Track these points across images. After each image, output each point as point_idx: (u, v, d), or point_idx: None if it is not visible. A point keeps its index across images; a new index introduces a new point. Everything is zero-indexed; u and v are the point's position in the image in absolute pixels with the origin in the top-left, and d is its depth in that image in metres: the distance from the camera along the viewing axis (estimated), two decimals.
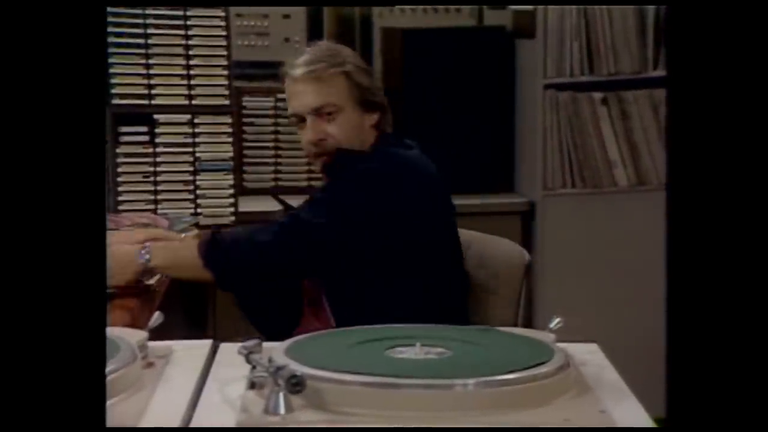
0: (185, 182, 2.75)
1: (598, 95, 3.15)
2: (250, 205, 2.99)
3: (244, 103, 3.18)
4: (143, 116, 2.71)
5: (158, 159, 2.73)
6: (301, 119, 1.94)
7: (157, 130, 2.72)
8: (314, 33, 3.47)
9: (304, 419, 1.18)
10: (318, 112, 1.91)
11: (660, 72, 3.13)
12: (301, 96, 1.92)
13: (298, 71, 1.93)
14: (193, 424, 1.18)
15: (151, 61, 2.72)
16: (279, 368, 1.20)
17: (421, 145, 3.22)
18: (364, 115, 1.95)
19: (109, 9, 2.61)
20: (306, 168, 3.25)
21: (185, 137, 2.75)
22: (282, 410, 1.18)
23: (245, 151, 3.19)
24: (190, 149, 2.75)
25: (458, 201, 2.07)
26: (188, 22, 2.74)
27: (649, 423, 1.19)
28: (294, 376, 1.17)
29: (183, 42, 2.74)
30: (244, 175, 3.19)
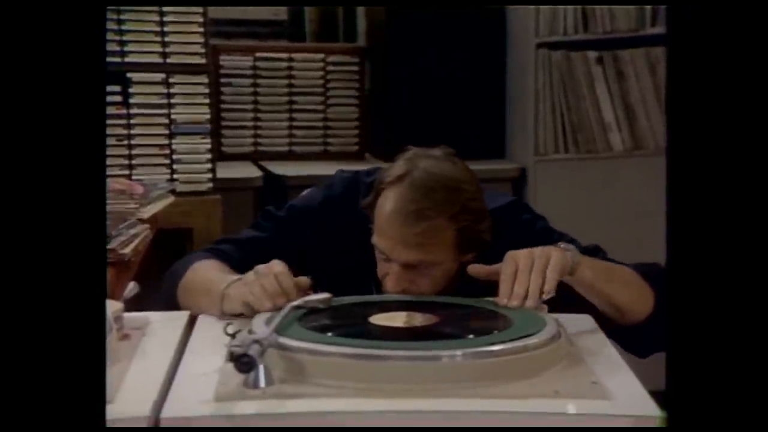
0: (160, 146, 2.74)
1: (592, 54, 3.15)
2: (228, 171, 2.98)
3: (221, 63, 3.16)
4: (116, 75, 2.69)
5: (132, 121, 2.72)
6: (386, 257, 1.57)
7: (130, 90, 2.71)
8: None
9: (284, 392, 1.19)
10: (411, 265, 1.55)
11: (658, 29, 3.13)
12: (395, 243, 1.53)
13: (399, 218, 1.51)
14: (171, 398, 1.18)
15: (123, 17, 2.69)
16: (256, 341, 1.21)
17: (408, 108, 3.23)
18: (462, 257, 1.58)
19: None
20: (287, 132, 3.25)
21: (160, 98, 2.73)
22: (262, 383, 1.19)
23: (223, 114, 3.18)
24: (165, 111, 2.74)
25: None
26: None
27: (643, 394, 1.20)
28: (245, 355, 1.17)
29: None
30: (222, 140, 3.18)
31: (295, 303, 1.38)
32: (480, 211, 1.58)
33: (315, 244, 1.66)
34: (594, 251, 1.61)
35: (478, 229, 1.57)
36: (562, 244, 1.49)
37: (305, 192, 1.85)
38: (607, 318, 1.51)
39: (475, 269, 1.49)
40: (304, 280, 1.47)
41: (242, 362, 1.18)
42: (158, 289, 1.69)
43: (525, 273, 1.41)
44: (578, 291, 1.49)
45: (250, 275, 1.45)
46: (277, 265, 1.45)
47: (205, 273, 1.59)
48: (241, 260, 1.60)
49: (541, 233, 1.65)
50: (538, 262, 1.42)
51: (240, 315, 1.43)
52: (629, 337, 1.50)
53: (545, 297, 1.43)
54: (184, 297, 1.59)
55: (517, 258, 1.43)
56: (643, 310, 1.51)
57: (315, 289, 1.48)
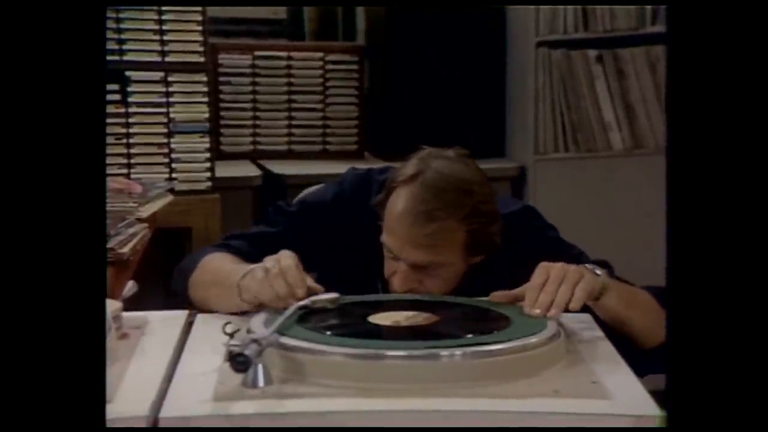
0: (159, 145, 2.75)
1: (593, 53, 3.15)
2: (227, 170, 2.98)
3: (220, 61, 3.16)
4: (114, 73, 2.69)
5: (131, 120, 2.72)
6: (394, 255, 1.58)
7: (129, 89, 2.71)
8: None
9: (283, 392, 1.19)
10: (419, 266, 1.56)
11: (658, 28, 3.13)
12: (404, 243, 1.54)
13: (409, 218, 1.52)
14: (170, 397, 1.19)
15: (121, 15, 2.69)
16: (255, 340, 1.21)
17: (407, 107, 3.23)
18: (472, 259, 1.59)
19: None
20: (286, 131, 3.25)
21: (159, 96, 2.73)
22: (261, 383, 1.19)
23: (222, 113, 3.18)
24: (163, 109, 2.74)
25: None
26: None
27: (642, 393, 1.20)
28: (241, 354, 1.18)
29: None
30: (221, 138, 3.18)
31: (301, 303, 1.38)
32: (491, 214, 1.57)
33: (325, 240, 1.67)
34: (600, 266, 1.58)
35: (489, 231, 1.56)
36: (589, 266, 1.47)
37: (316, 188, 1.85)
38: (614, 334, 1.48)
39: (498, 296, 1.47)
40: (314, 286, 1.44)
41: (238, 362, 1.18)
42: (157, 288, 1.70)
43: (554, 284, 1.39)
44: (596, 313, 1.47)
45: (258, 270, 1.44)
46: (285, 259, 1.43)
47: (218, 265, 1.58)
48: (251, 255, 1.60)
49: (552, 243, 1.65)
50: (569, 277, 1.40)
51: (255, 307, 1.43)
52: (632, 356, 1.43)
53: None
54: (196, 291, 1.58)
55: (550, 269, 1.41)
56: (656, 339, 1.47)
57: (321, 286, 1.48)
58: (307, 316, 1.37)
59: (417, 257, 1.54)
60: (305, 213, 1.71)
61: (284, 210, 1.73)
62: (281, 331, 1.28)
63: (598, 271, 1.46)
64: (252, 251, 1.62)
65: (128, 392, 1.20)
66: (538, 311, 1.38)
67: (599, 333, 1.44)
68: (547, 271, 1.41)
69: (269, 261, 1.44)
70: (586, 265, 1.47)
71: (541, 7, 3.10)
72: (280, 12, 3.49)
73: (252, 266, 1.47)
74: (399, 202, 1.55)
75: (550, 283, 1.40)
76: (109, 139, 2.70)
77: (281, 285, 1.40)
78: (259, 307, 1.42)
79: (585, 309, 1.47)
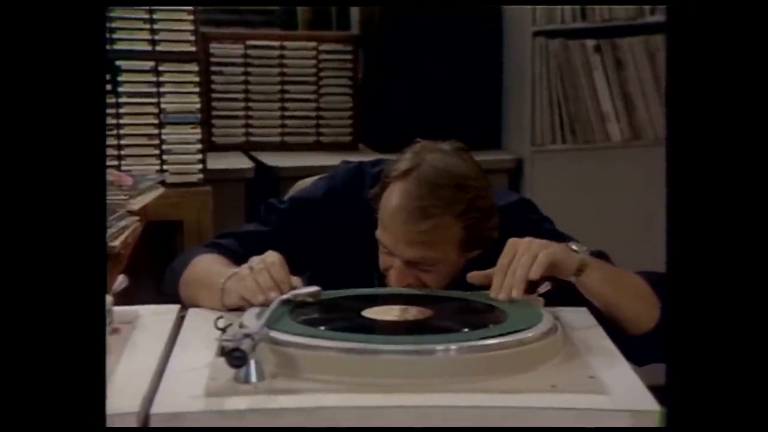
0: (150, 136, 2.74)
1: (590, 43, 3.15)
2: (219, 162, 2.98)
3: (211, 51, 3.16)
4: None
5: (121, 110, 2.71)
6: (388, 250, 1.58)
7: (119, 79, 2.70)
8: None
9: (276, 387, 1.19)
10: (414, 262, 1.56)
11: (657, 17, 3.13)
12: (398, 240, 1.54)
13: (403, 215, 1.52)
14: (161, 393, 1.19)
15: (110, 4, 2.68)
16: (248, 335, 1.21)
17: (402, 98, 3.23)
18: (468, 254, 1.58)
19: None
20: (279, 122, 3.24)
21: (149, 87, 2.72)
22: (254, 378, 1.19)
23: (214, 103, 3.17)
24: (154, 100, 2.73)
25: None
26: None
27: (641, 389, 1.21)
28: (237, 349, 1.17)
29: None
30: (213, 130, 3.17)
31: (283, 297, 1.38)
32: (487, 209, 1.56)
33: (318, 235, 1.66)
34: (598, 256, 1.58)
35: (485, 226, 1.56)
36: (573, 245, 1.48)
37: (307, 183, 1.85)
38: (606, 320, 1.49)
39: (473, 277, 1.48)
40: (296, 279, 1.45)
41: (234, 357, 1.18)
42: (148, 282, 1.69)
43: (518, 262, 1.41)
44: (584, 295, 1.48)
45: (244, 269, 1.45)
46: (270, 257, 1.45)
47: (206, 267, 1.59)
48: (244, 254, 1.60)
49: (548, 235, 1.65)
50: (533, 248, 1.41)
51: (240, 308, 1.43)
52: (628, 345, 1.43)
53: (541, 290, 1.43)
54: (185, 291, 1.59)
55: (517, 245, 1.42)
56: (647, 323, 1.47)
57: (314, 281, 1.48)
58: (299, 311, 1.37)
59: (411, 254, 1.53)
60: (296, 210, 1.71)
61: (276, 207, 1.73)
62: (274, 327, 1.28)
63: (575, 247, 1.46)
64: (243, 250, 1.62)
65: (119, 388, 1.20)
66: (502, 296, 1.39)
67: (596, 327, 1.44)
68: (514, 248, 1.42)
69: (254, 260, 1.45)
70: (569, 243, 1.48)
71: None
72: None
73: (237, 269, 1.48)
74: (393, 198, 1.54)
75: (514, 263, 1.41)
76: None
77: (265, 278, 1.40)
78: (244, 308, 1.42)
79: (578, 300, 1.47)
